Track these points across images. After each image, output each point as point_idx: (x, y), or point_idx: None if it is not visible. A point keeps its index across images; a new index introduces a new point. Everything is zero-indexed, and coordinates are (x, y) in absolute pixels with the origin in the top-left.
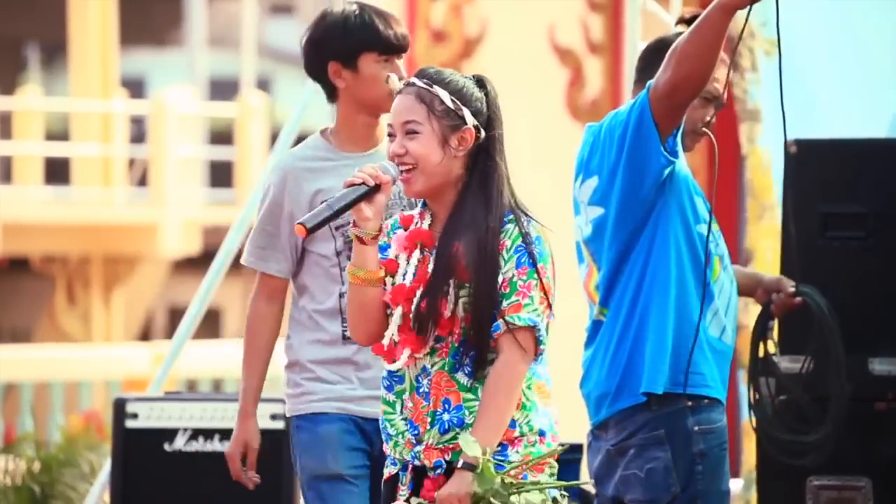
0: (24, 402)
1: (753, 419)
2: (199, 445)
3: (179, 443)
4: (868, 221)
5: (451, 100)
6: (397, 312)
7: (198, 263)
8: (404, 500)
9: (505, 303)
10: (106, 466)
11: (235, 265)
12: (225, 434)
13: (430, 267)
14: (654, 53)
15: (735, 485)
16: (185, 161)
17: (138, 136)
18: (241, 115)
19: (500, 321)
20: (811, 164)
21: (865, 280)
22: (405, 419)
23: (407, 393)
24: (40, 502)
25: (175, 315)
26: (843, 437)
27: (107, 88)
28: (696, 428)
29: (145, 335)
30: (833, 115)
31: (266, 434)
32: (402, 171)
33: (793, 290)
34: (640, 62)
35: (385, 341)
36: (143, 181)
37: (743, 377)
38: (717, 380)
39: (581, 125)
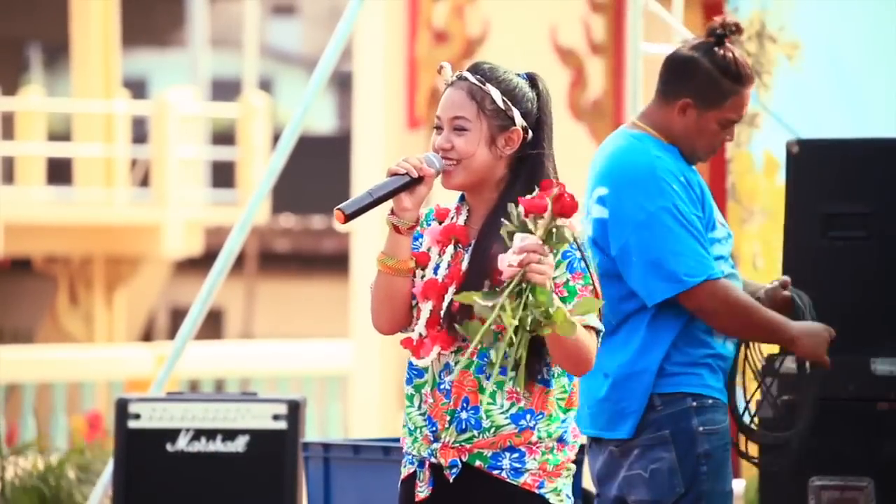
0: (27, 403)
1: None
2: (202, 446)
3: (182, 443)
4: (869, 221)
5: (503, 99)
6: (426, 307)
7: (200, 264)
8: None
9: (569, 306)
10: (108, 467)
11: (237, 266)
12: (227, 434)
13: (465, 265)
14: (682, 66)
15: (737, 485)
16: (187, 162)
17: (140, 136)
18: (243, 116)
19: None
20: (813, 164)
21: (867, 280)
22: (423, 414)
23: (428, 388)
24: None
25: (177, 315)
26: (846, 437)
27: (109, 89)
28: (700, 428)
29: (147, 336)
30: (852, 117)
31: (267, 434)
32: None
33: (785, 282)
34: (668, 73)
35: (413, 336)
36: (145, 182)
37: (738, 379)
38: (721, 383)
39: (583, 125)
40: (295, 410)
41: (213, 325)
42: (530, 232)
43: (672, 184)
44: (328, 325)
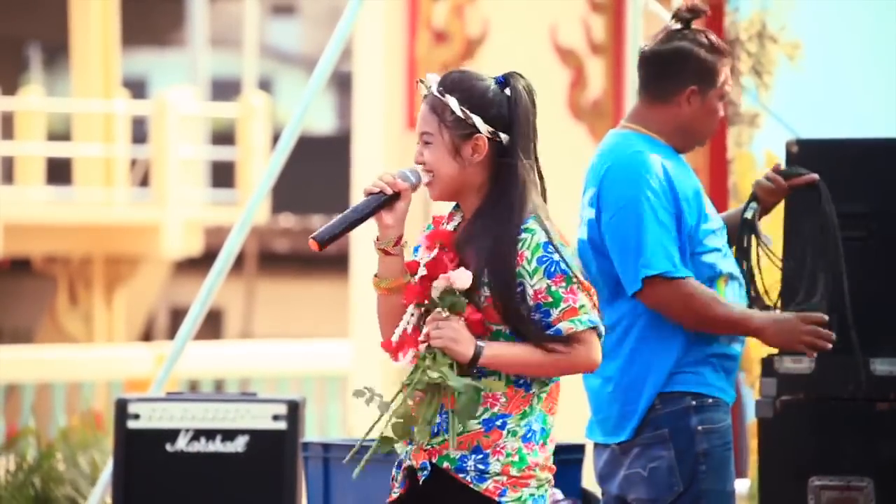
0: (26, 403)
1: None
2: (201, 446)
3: (181, 443)
4: (869, 221)
5: (461, 109)
6: (409, 311)
7: (199, 264)
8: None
9: (555, 311)
10: (108, 467)
11: (237, 266)
12: (227, 435)
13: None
14: (674, 58)
15: (742, 485)
16: (186, 161)
17: (140, 136)
18: (242, 116)
19: (560, 325)
20: (812, 163)
21: (866, 280)
22: None
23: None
24: (42, 501)
25: (177, 315)
26: (845, 437)
27: (108, 89)
28: (699, 427)
29: (147, 336)
30: (853, 117)
31: (266, 434)
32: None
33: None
34: (661, 69)
35: (394, 338)
36: (144, 181)
37: (744, 378)
38: (724, 381)
39: (583, 125)
40: (294, 410)
41: (212, 325)
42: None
43: (646, 175)
44: (328, 325)
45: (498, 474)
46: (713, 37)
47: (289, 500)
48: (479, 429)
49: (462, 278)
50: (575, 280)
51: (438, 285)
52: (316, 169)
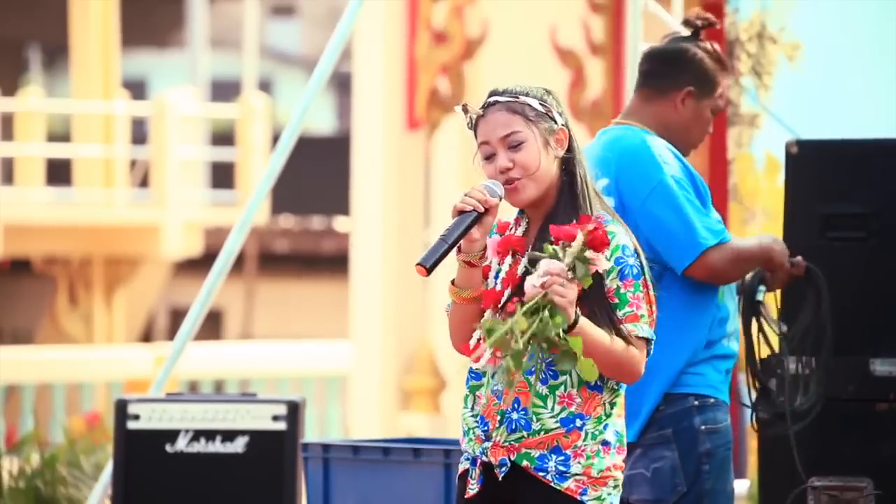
0: (26, 404)
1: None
2: (201, 447)
3: (181, 444)
4: (869, 222)
5: (540, 103)
6: (487, 315)
7: (199, 265)
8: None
9: (619, 313)
10: (108, 468)
11: (237, 266)
12: (226, 435)
13: (521, 270)
14: (678, 57)
15: (741, 486)
16: (186, 162)
17: (140, 137)
18: (242, 117)
19: (622, 327)
20: (812, 164)
21: (866, 280)
22: (475, 416)
23: (483, 389)
24: (45, 503)
25: (177, 316)
26: (845, 437)
27: (108, 90)
28: (702, 427)
29: (147, 336)
30: (853, 117)
31: (266, 435)
32: (506, 185)
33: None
34: (662, 66)
35: (472, 341)
36: (144, 182)
37: (743, 379)
38: (722, 382)
39: (582, 126)
40: (294, 411)
41: (212, 326)
42: (558, 259)
43: (665, 158)
44: (328, 325)
45: (579, 475)
46: (718, 50)
47: (289, 501)
48: (559, 428)
49: (604, 263)
50: (643, 289)
51: (572, 250)
52: (316, 169)
